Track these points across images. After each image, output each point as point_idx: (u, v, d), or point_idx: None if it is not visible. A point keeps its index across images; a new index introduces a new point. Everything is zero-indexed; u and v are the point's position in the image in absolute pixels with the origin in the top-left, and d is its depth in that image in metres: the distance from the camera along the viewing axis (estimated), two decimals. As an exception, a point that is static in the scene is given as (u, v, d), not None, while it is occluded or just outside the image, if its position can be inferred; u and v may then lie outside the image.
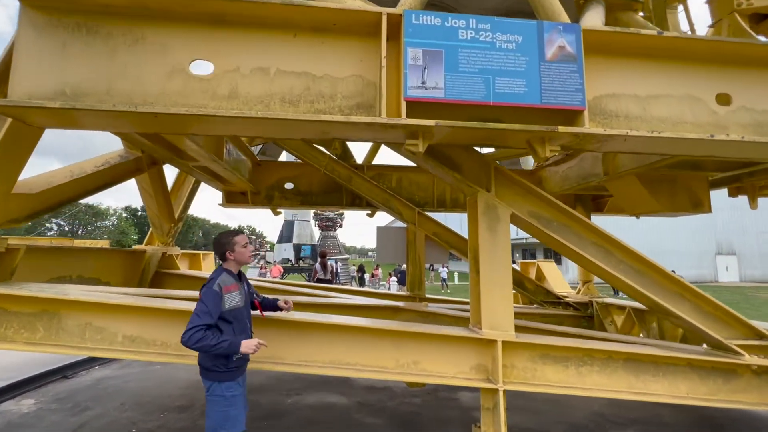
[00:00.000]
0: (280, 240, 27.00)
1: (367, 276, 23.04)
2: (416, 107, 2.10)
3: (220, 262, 2.38)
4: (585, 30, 2.26)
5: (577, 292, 5.78)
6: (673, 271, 2.83)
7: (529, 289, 5.51)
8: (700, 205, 4.21)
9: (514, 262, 3.53)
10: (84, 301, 2.62)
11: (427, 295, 5.19)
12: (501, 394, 2.45)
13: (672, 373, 2.67)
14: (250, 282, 2.62)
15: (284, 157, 6.51)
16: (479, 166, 2.70)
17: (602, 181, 4.54)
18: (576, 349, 2.63)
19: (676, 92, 2.39)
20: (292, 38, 2.16)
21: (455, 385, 2.62)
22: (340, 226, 33.32)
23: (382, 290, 20.34)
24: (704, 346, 2.97)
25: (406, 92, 2.09)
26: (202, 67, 2.12)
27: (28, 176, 3.21)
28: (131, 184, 5.27)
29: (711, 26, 3.25)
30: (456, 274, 28.96)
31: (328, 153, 5.35)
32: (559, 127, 2.16)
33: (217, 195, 5.51)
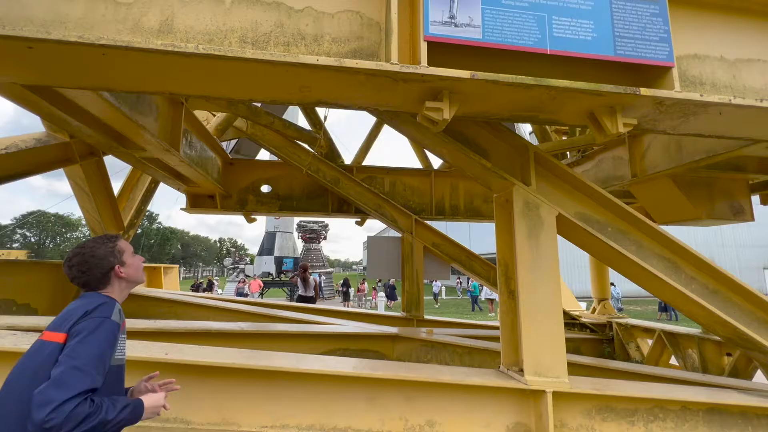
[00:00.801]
0: (261, 252, 25.67)
1: (352, 290, 22.08)
2: (439, 53, 1.43)
3: (90, 289, 1.35)
4: (667, -39, 1.65)
5: (592, 312, 5.15)
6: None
7: (540, 308, 4.84)
8: (741, 212, 3.67)
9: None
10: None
11: (426, 317, 4.46)
12: (551, 467, 1.73)
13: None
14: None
15: (262, 156, 5.75)
16: (514, 150, 2.03)
17: (627, 185, 3.97)
18: (644, 399, 1.94)
19: (776, 55, 1.80)
20: (258, -50, 1.47)
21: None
22: (324, 238, 32.21)
23: (368, 306, 19.41)
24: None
25: (427, 29, 1.41)
26: (118, -16, 1.41)
27: None
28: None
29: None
30: (443, 288, 28.26)
31: (312, 151, 4.64)
32: (642, 89, 1.52)
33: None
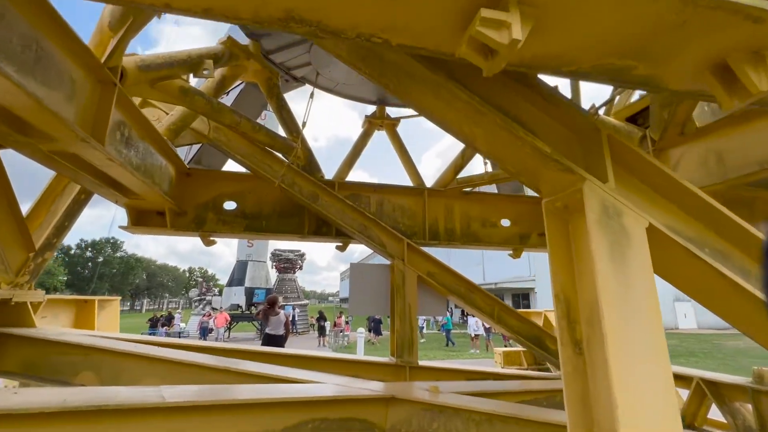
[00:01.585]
0: (231, 283, 23.90)
1: (328, 324, 20.69)
2: None
3: None
4: None
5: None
6: None
7: (551, 350, 4.13)
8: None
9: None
10: None
11: (420, 362, 3.66)
12: None
13: None
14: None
15: (229, 168, 4.98)
16: (575, 135, 1.39)
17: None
18: None
19: None
20: None
21: None
22: (300, 268, 30.69)
23: (345, 342, 18.10)
24: None
25: None
26: None
27: None
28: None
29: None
30: (428, 321, 27.17)
31: (287, 161, 3.94)
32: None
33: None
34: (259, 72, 3.83)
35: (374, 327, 17.67)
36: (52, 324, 3.79)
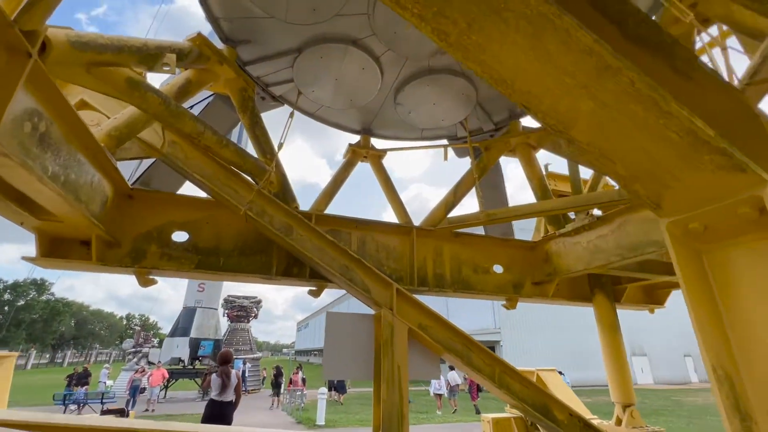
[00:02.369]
0: (173, 333, 21.09)
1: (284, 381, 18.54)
2: None
3: None
4: None
5: (617, 423, 3.93)
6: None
7: (560, 420, 3.50)
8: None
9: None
10: None
11: (410, 442, 2.89)
12: None
13: None
14: None
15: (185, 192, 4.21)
16: (735, 117, 0.96)
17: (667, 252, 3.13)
18: None
19: None
20: None
21: None
22: (255, 316, 28.21)
23: (302, 402, 16.11)
24: None
25: None
26: None
27: None
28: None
29: None
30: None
31: (258, 186, 3.31)
32: None
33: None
34: (232, 81, 3.30)
35: (338, 383, 15.96)
36: None
